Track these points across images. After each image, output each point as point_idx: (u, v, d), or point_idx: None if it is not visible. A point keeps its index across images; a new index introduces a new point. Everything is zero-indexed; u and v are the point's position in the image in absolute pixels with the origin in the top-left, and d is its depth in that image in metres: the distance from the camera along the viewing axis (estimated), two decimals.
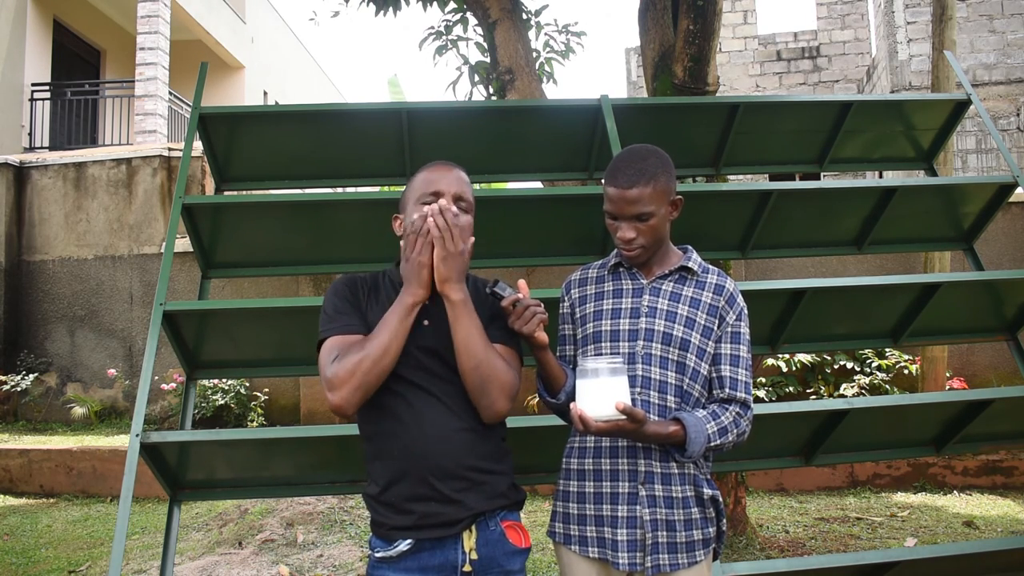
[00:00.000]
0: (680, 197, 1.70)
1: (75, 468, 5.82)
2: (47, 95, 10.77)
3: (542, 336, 1.56)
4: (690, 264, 1.70)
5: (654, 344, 1.63)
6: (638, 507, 1.59)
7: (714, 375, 1.66)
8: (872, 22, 13.19)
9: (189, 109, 8.92)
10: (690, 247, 1.77)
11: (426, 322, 1.58)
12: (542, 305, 1.55)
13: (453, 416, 1.55)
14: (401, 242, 1.65)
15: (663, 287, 1.69)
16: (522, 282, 1.58)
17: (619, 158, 1.68)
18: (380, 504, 1.57)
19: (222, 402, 6.52)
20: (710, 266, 1.75)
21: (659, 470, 1.61)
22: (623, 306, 1.69)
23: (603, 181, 1.69)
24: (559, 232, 2.99)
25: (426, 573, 1.53)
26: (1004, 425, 2.82)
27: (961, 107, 3.21)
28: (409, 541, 1.53)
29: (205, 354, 2.75)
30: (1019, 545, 2.45)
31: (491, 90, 5.83)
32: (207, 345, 2.71)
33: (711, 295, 1.68)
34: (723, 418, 1.61)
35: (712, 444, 1.58)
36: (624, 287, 1.71)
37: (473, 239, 1.67)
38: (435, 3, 5.98)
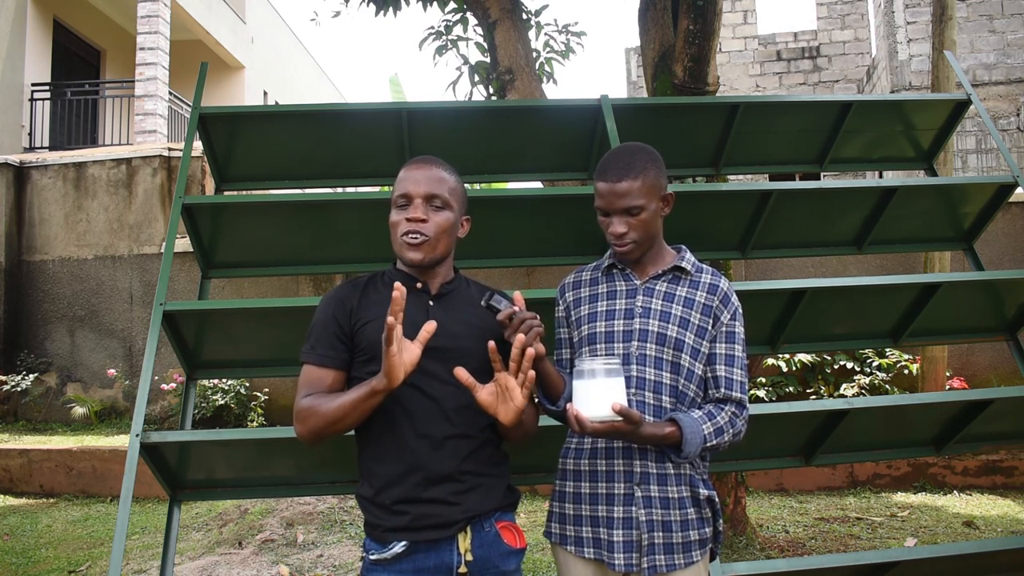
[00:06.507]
0: (671, 193, 1.70)
1: (75, 468, 5.82)
2: (47, 95, 10.77)
3: (539, 348, 1.54)
4: (683, 264, 1.70)
5: (648, 345, 1.63)
6: (634, 508, 1.59)
7: (709, 375, 1.66)
8: (872, 22, 13.18)
9: (189, 109, 8.93)
10: (684, 246, 1.77)
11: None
12: (538, 317, 1.54)
13: (447, 423, 1.54)
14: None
15: (657, 287, 1.69)
16: (517, 294, 1.56)
17: (608, 155, 1.70)
18: (374, 506, 1.56)
19: (222, 402, 6.52)
20: (704, 265, 1.74)
21: (655, 471, 1.60)
22: (617, 307, 1.69)
23: (594, 179, 1.69)
24: (559, 232, 2.99)
25: (421, 575, 1.52)
26: (1004, 425, 2.81)
27: (961, 107, 3.21)
28: (404, 543, 1.52)
29: (205, 354, 2.75)
30: (1019, 545, 2.45)
31: (491, 90, 5.82)
32: (207, 345, 2.71)
33: (705, 295, 1.68)
34: (719, 418, 1.61)
35: (708, 444, 1.58)
36: (618, 288, 1.71)
37: (468, 225, 1.69)
38: (435, 3, 5.98)
